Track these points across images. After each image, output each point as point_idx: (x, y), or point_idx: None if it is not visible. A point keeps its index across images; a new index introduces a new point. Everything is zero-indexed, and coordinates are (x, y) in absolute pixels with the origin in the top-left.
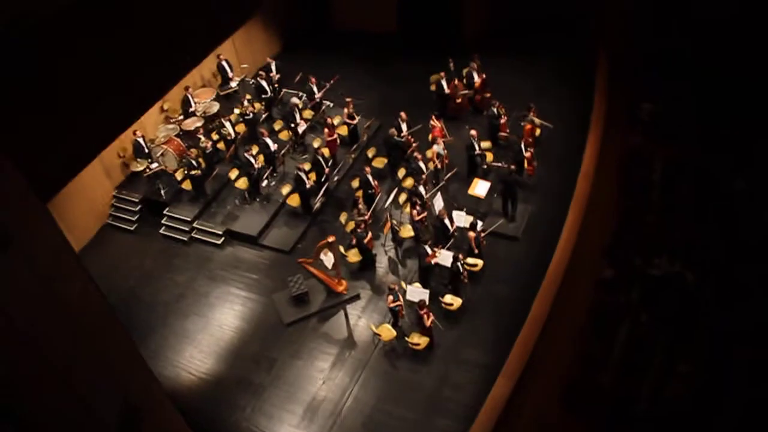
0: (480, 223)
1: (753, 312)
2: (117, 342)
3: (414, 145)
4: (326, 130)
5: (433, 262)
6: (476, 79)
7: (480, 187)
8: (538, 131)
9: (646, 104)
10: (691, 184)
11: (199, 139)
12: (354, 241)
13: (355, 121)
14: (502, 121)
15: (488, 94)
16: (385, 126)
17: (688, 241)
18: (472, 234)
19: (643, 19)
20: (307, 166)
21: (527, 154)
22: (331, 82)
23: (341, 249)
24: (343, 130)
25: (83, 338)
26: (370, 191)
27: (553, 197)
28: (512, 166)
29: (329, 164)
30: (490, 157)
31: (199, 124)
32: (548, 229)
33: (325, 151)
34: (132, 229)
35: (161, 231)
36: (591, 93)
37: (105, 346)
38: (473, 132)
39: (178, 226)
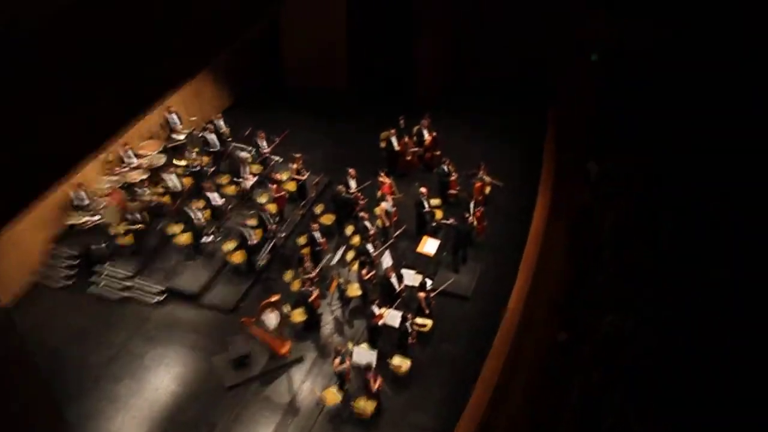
0: (429, 282)
1: (706, 366)
2: (39, 406)
3: (361, 202)
4: (273, 186)
5: (380, 322)
6: (426, 136)
7: (429, 245)
8: (488, 189)
9: (592, 164)
10: (640, 242)
11: (144, 192)
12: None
13: (303, 177)
14: (452, 178)
15: (438, 152)
16: (333, 182)
17: (640, 297)
18: (421, 294)
19: (591, 81)
20: (252, 222)
21: (477, 213)
22: (281, 137)
23: (286, 308)
24: (292, 186)
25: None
26: (317, 248)
27: (503, 255)
28: (468, 216)
29: (276, 220)
30: (439, 214)
31: (144, 177)
32: (499, 288)
33: (272, 207)
34: (67, 284)
35: (98, 287)
36: (540, 152)
37: (25, 410)
38: (423, 189)
39: (116, 283)
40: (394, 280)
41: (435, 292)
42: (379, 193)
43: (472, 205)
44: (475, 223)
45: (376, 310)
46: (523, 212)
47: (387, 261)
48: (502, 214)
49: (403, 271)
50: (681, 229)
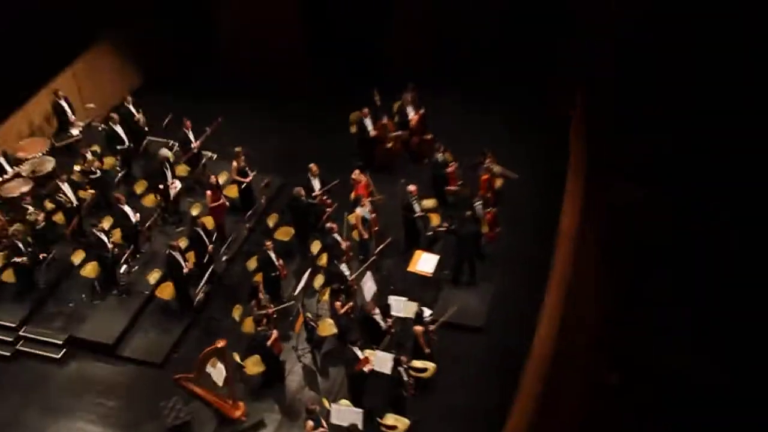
0: (428, 312)
1: None
2: None
3: (329, 209)
4: (209, 192)
5: (366, 369)
6: (412, 115)
7: (425, 262)
8: (498, 183)
9: (638, 150)
10: (704, 249)
11: (26, 209)
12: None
13: (248, 179)
14: (450, 170)
15: (429, 136)
16: (289, 184)
17: (706, 325)
18: (418, 328)
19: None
20: (183, 243)
21: (487, 215)
22: (213, 127)
23: (236, 357)
24: (233, 192)
25: None
26: (273, 274)
27: (524, 271)
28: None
29: (214, 239)
30: (435, 219)
31: (25, 188)
32: (520, 315)
33: (208, 221)
34: None
35: None
36: (565, 132)
37: None
38: (411, 187)
39: None
40: (378, 315)
41: (436, 325)
42: (352, 196)
43: (478, 205)
44: (486, 228)
45: (359, 354)
46: (548, 212)
47: (369, 286)
48: (520, 215)
49: (391, 299)
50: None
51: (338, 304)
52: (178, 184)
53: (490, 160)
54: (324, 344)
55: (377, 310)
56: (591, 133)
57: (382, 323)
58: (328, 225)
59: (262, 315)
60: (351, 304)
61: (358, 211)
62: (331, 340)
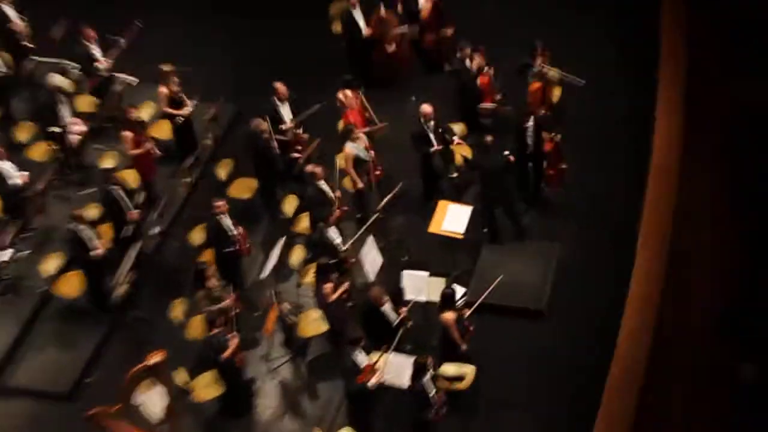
0: (461, 291)
1: None
2: None
3: (306, 148)
4: (127, 134)
5: (372, 382)
6: (423, 1)
7: (453, 219)
8: (556, 94)
9: None
10: None
11: None
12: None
13: (185, 111)
14: (483, 79)
15: (450, 31)
16: (247, 114)
17: None
18: (448, 316)
19: None
20: (93, 213)
21: (546, 144)
22: (129, 35)
23: (180, 376)
24: (164, 131)
25: None
26: (228, 249)
27: (604, 228)
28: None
29: (139, 203)
30: (463, 153)
31: None
32: (600, 292)
33: (129, 178)
34: None
35: None
36: (650, 16)
37: None
38: (426, 108)
39: None
40: (387, 305)
41: (473, 307)
42: (340, 126)
43: (529, 125)
44: (544, 164)
45: (362, 359)
46: (635, 137)
47: (371, 259)
48: (590, 143)
49: (406, 276)
50: None
51: (328, 287)
52: (80, 126)
53: (543, 60)
54: (309, 349)
55: (386, 298)
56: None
57: (391, 315)
58: (309, 169)
59: (215, 311)
60: (346, 286)
61: (350, 148)
62: (319, 342)
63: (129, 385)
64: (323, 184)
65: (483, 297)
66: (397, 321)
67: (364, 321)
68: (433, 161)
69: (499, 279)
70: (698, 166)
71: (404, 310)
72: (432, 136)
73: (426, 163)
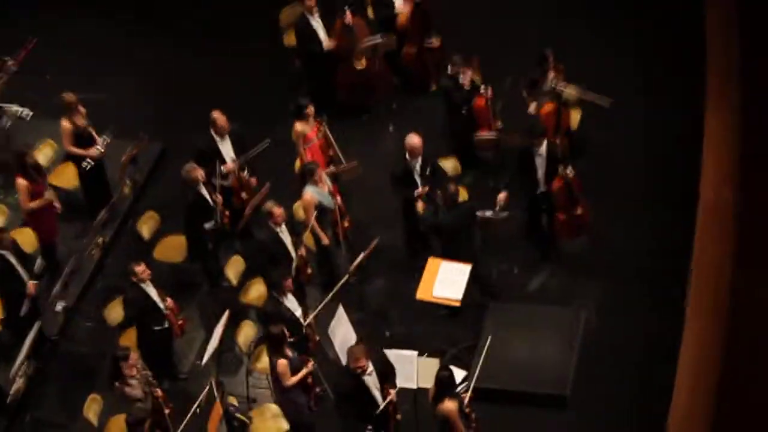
0: (459, 375)
1: None
2: None
3: (257, 194)
4: (22, 182)
5: None
6: (400, 2)
7: (448, 279)
8: (575, 117)
9: None
10: None
11: None
12: None
13: (94, 152)
14: (480, 102)
15: (437, 41)
16: (174, 154)
17: None
18: (449, 405)
19: None
20: None
21: (555, 182)
22: (22, 52)
23: None
24: (68, 178)
25: None
26: (156, 328)
27: (635, 288)
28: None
29: (40, 271)
30: (460, 196)
31: None
32: (636, 373)
33: (25, 239)
34: None
35: None
36: (688, 27)
37: None
38: (413, 140)
39: None
40: (370, 381)
41: (470, 394)
42: (297, 166)
43: (540, 153)
44: (579, 210)
45: None
46: (677, 170)
47: (342, 334)
48: (620, 180)
49: (389, 355)
50: None
51: (281, 363)
52: None
53: (557, 75)
54: None
55: (368, 364)
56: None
57: (377, 395)
58: (267, 207)
59: (139, 411)
60: (311, 365)
61: (310, 193)
62: None
63: None
64: (283, 232)
65: (477, 369)
66: (383, 405)
67: (344, 406)
68: (419, 207)
69: (488, 341)
70: (760, 203)
71: (393, 392)
72: (417, 175)
73: (409, 209)
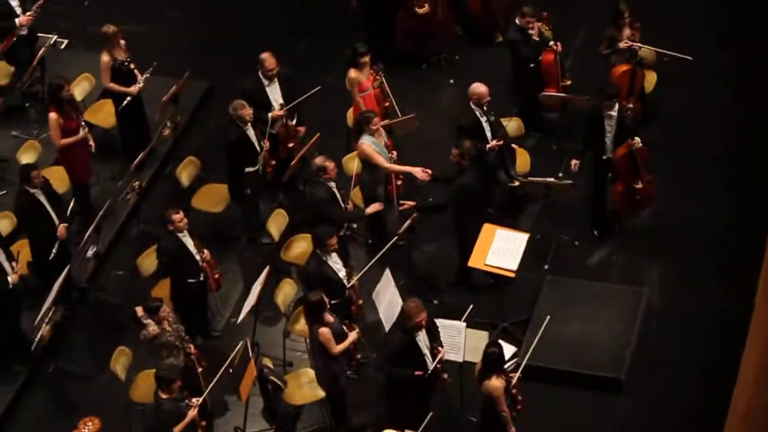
0: (509, 350)
1: None
2: None
3: (306, 144)
4: (54, 116)
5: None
6: None
7: (503, 247)
8: (650, 80)
9: None
10: None
11: None
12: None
13: (134, 89)
14: (548, 57)
15: None
16: (219, 95)
17: None
18: (495, 383)
19: None
20: (5, 225)
21: (620, 149)
22: None
23: None
24: (104, 115)
25: None
26: (190, 280)
27: (703, 267)
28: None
29: (70, 213)
30: (521, 159)
31: None
32: (699, 356)
33: (57, 177)
34: None
35: None
36: None
37: None
38: (480, 88)
39: None
40: (422, 339)
41: (520, 369)
42: (350, 116)
43: (612, 114)
44: (640, 184)
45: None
46: (756, 141)
47: (388, 301)
48: (694, 150)
49: (441, 324)
50: None
51: (324, 332)
52: None
53: (633, 33)
54: (298, 422)
55: (424, 317)
56: None
57: (427, 353)
58: (318, 162)
59: (169, 367)
60: (356, 335)
61: (367, 144)
62: (312, 413)
63: None
64: (333, 187)
65: (531, 348)
66: (435, 363)
67: (391, 377)
68: (486, 164)
69: (546, 320)
70: None
71: (442, 350)
72: (488, 127)
73: (474, 163)
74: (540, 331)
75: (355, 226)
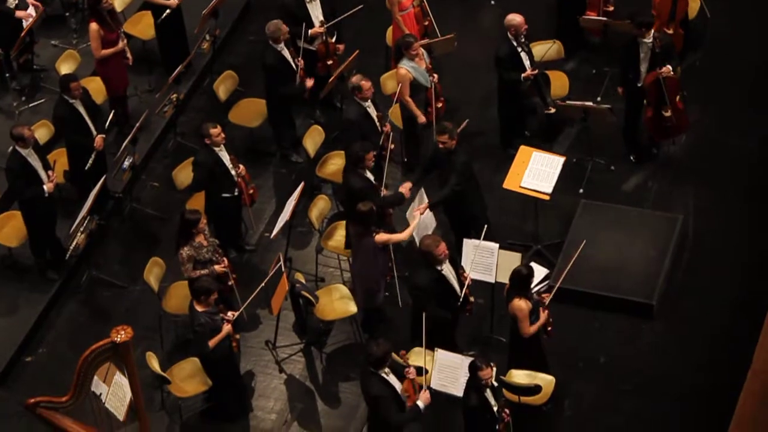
0: (541, 273)
1: None
2: None
3: (344, 62)
4: (94, 26)
5: (423, 403)
6: None
7: (539, 170)
8: (693, 7)
9: None
10: None
11: None
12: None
13: (175, 2)
14: None
15: None
16: (259, 9)
17: None
18: (520, 304)
19: None
20: (41, 133)
21: (649, 76)
22: None
23: (153, 362)
24: (143, 27)
25: None
26: (225, 194)
27: (738, 196)
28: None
29: (108, 124)
30: (558, 82)
31: None
32: (731, 285)
33: (95, 88)
34: None
35: None
36: None
37: None
38: (516, 18)
39: None
40: (447, 269)
41: (552, 292)
42: (389, 36)
43: (646, 42)
44: (668, 112)
45: (394, 382)
46: None
47: (424, 218)
48: (732, 80)
49: (468, 245)
50: None
51: (381, 237)
52: (31, 11)
53: None
54: (329, 337)
55: (444, 249)
56: None
57: (454, 283)
58: (354, 80)
59: (203, 279)
60: (408, 232)
61: (406, 67)
62: (343, 328)
63: (83, 370)
64: (370, 107)
65: (564, 273)
66: (464, 290)
67: (417, 296)
68: (522, 92)
69: (582, 244)
70: None
71: (468, 276)
72: (525, 56)
73: (510, 94)
74: (576, 254)
75: (392, 146)
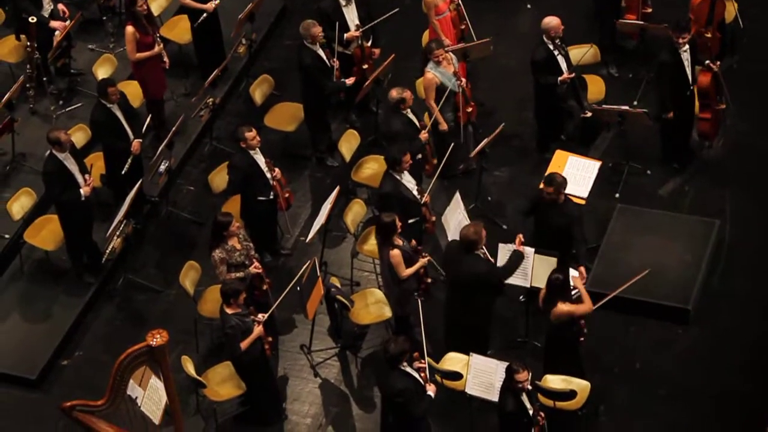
0: (576, 275)
1: None
2: None
3: (380, 66)
4: (131, 29)
5: (431, 391)
6: None
7: (575, 174)
8: (730, 10)
9: None
10: None
11: None
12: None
13: (211, 5)
14: None
15: None
16: (295, 13)
17: None
18: (564, 308)
19: None
20: (79, 137)
21: (701, 75)
22: None
23: (188, 366)
24: (180, 31)
25: None
26: (260, 198)
27: None
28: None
29: (145, 128)
30: (594, 87)
31: None
32: (765, 285)
33: (132, 92)
34: None
35: None
36: None
37: None
38: (552, 21)
39: None
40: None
41: (605, 300)
42: (424, 39)
43: (683, 57)
44: (723, 104)
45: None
46: None
47: (457, 223)
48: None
49: (503, 249)
50: None
51: (395, 254)
52: (65, 17)
53: None
54: (364, 341)
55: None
56: None
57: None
58: (394, 95)
59: (237, 282)
60: (425, 260)
61: (431, 72)
62: (377, 332)
63: (119, 374)
64: (409, 113)
65: (619, 290)
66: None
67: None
68: (558, 95)
69: (645, 272)
70: None
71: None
72: (561, 59)
73: (547, 97)
74: (633, 280)
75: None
